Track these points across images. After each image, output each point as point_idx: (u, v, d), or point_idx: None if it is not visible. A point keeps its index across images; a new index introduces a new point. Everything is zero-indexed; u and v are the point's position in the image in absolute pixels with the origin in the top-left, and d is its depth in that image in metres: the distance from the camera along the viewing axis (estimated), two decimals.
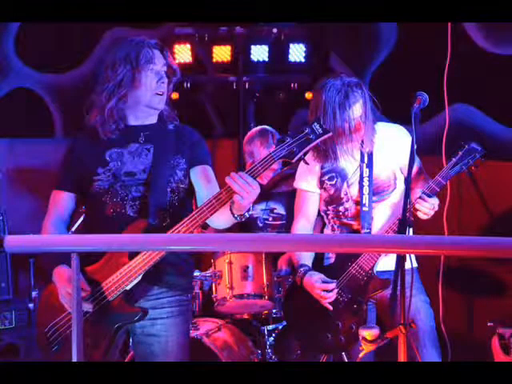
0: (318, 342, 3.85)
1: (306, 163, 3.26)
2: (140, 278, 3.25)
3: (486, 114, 5.49)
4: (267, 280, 4.54)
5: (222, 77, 6.18)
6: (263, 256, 4.55)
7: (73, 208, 3.47)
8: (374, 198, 3.80)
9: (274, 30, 6.03)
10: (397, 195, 3.82)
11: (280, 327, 4.77)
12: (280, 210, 4.89)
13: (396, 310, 3.20)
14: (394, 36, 5.86)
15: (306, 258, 3.85)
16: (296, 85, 6.15)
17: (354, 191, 3.82)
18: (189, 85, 6.06)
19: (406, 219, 3.36)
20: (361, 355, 3.34)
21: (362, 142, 3.78)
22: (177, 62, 5.72)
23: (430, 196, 3.64)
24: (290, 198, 4.39)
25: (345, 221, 3.86)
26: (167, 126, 3.47)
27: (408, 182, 3.45)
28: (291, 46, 6.07)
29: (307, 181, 3.91)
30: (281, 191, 4.85)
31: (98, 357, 3.26)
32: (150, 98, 3.39)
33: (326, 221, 3.94)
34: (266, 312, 4.70)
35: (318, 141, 3.18)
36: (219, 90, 6.33)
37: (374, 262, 3.74)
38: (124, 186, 3.35)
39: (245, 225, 4.10)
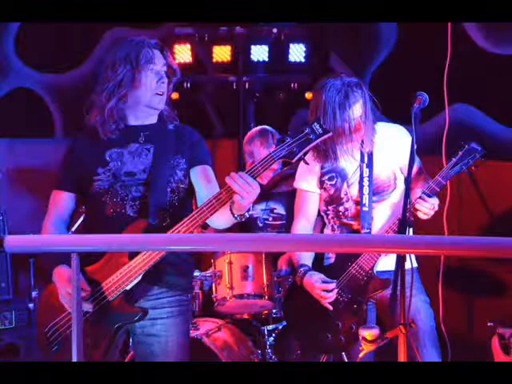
0: (318, 341, 3.84)
1: (306, 163, 3.25)
2: (140, 278, 3.24)
3: (486, 114, 5.49)
4: (267, 280, 4.54)
5: (222, 77, 6.18)
6: (263, 256, 4.55)
7: (73, 208, 3.47)
8: (374, 198, 3.80)
9: (274, 30, 6.03)
10: (397, 195, 3.82)
11: (280, 327, 4.76)
12: (280, 210, 4.89)
13: (396, 310, 3.20)
14: (394, 36, 5.86)
15: (306, 257, 3.84)
16: (296, 85, 6.14)
17: (354, 191, 3.82)
18: (189, 85, 6.06)
19: (405, 219, 3.36)
20: (361, 355, 3.34)
21: (362, 141, 3.78)
22: (177, 62, 5.71)
23: (430, 196, 3.64)
24: (290, 198, 4.38)
25: (345, 221, 3.86)
26: (167, 126, 3.47)
27: (408, 182, 3.45)
28: (291, 46, 6.07)
29: (307, 181, 3.91)
30: (281, 191, 4.85)
31: (98, 357, 3.25)
32: (150, 98, 3.39)
33: (326, 221, 3.94)
34: (266, 312, 4.70)
35: (318, 141, 3.18)
36: (219, 90, 6.32)
37: (374, 261, 3.74)
38: (124, 185, 3.35)
39: (245, 225, 4.10)
